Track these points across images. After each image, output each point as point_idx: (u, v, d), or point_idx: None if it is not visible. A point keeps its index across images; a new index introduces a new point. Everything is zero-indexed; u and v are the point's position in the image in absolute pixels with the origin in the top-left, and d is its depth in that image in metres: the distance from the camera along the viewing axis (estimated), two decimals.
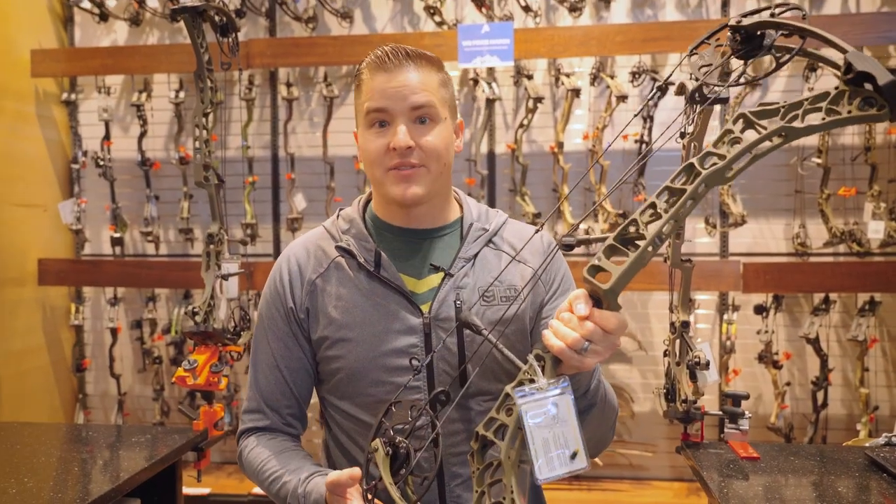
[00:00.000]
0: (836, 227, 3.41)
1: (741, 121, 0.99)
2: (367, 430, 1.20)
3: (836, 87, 0.97)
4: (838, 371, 3.60)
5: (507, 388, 1.02)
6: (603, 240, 1.01)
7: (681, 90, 1.47)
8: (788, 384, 3.60)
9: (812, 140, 3.51)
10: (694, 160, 0.99)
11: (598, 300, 1.01)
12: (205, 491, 3.51)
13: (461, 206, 1.45)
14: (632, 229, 0.98)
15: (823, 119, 0.96)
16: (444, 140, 1.33)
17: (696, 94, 1.24)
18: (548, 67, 3.79)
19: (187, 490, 3.43)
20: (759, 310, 3.52)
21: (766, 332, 3.47)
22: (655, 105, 3.53)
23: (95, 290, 4.11)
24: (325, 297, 1.36)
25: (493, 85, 3.71)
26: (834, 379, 3.54)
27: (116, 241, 3.91)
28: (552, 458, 0.98)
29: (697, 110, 1.58)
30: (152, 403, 3.96)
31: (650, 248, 0.97)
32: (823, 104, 0.97)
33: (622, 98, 3.49)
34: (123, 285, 3.93)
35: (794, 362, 3.66)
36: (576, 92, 3.56)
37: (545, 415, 0.98)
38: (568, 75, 3.60)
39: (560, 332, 1.00)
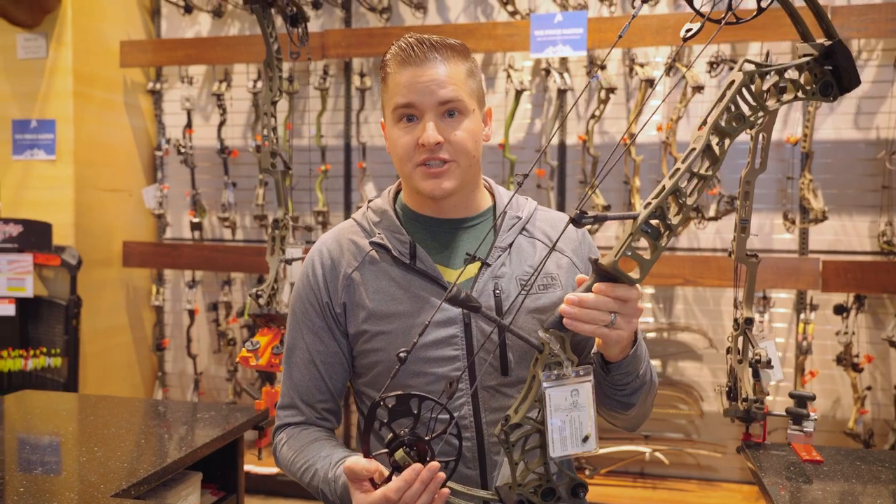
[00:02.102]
0: None
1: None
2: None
3: (808, 63, 1.11)
4: None
5: (537, 372, 1.08)
6: (620, 217, 1.09)
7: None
8: (869, 388, 3.44)
9: None
10: (714, 144, 1.06)
11: (609, 276, 1.07)
12: (274, 470, 3.62)
13: (492, 195, 1.45)
14: (654, 222, 1.04)
15: (796, 95, 1.11)
16: (472, 133, 1.32)
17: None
18: (622, 57, 3.72)
19: (257, 469, 3.55)
20: (840, 310, 3.37)
21: (846, 333, 3.33)
22: None
23: (175, 272, 4.27)
24: (363, 291, 1.36)
25: (565, 75, 3.66)
26: None
27: (195, 226, 4.06)
28: (566, 440, 1.07)
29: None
30: (226, 384, 4.10)
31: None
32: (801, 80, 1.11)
33: (698, 89, 3.40)
34: (201, 268, 4.08)
35: (877, 366, 3.50)
36: (649, 82, 3.48)
37: (565, 399, 1.08)
38: (642, 65, 3.53)
39: (585, 316, 1.07)
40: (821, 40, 1.12)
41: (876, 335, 3.46)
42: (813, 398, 1.85)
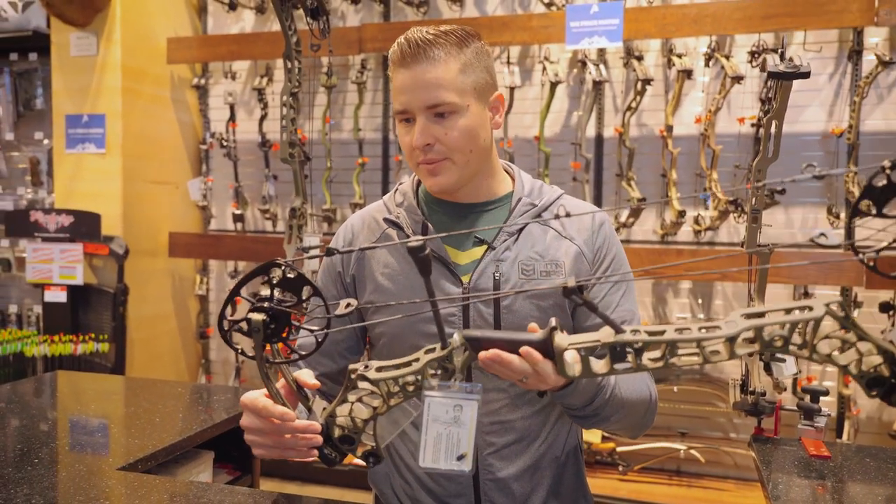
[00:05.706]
0: None
1: None
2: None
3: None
4: None
5: (423, 359, 1.04)
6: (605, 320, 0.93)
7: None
8: None
9: None
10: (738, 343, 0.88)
11: (548, 350, 1.01)
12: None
13: (513, 180, 1.46)
14: (629, 351, 0.93)
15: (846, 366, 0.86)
16: (466, 129, 1.32)
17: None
18: (660, 48, 3.65)
19: None
20: (886, 308, 3.25)
21: (892, 331, 3.20)
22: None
23: (219, 262, 4.39)
24: (374, 265, 1.42)
25: (602, 66, 3.62)
26: None
27: (238, 218, 4.17)
28: (439, 452, 1.02)
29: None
30: None
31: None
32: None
33: (737, 79, 3.31)
34: (243, 259, 4.18)
35: None
36: (687, 73, 3.41)
37: (446, 412, 1.02)
38: (680, 56, 3.46)
39: (500, 372, 1.04)
40: None
41: None
42: (826, 393, 1.79)
